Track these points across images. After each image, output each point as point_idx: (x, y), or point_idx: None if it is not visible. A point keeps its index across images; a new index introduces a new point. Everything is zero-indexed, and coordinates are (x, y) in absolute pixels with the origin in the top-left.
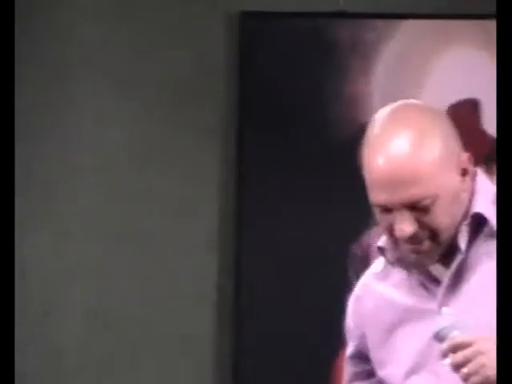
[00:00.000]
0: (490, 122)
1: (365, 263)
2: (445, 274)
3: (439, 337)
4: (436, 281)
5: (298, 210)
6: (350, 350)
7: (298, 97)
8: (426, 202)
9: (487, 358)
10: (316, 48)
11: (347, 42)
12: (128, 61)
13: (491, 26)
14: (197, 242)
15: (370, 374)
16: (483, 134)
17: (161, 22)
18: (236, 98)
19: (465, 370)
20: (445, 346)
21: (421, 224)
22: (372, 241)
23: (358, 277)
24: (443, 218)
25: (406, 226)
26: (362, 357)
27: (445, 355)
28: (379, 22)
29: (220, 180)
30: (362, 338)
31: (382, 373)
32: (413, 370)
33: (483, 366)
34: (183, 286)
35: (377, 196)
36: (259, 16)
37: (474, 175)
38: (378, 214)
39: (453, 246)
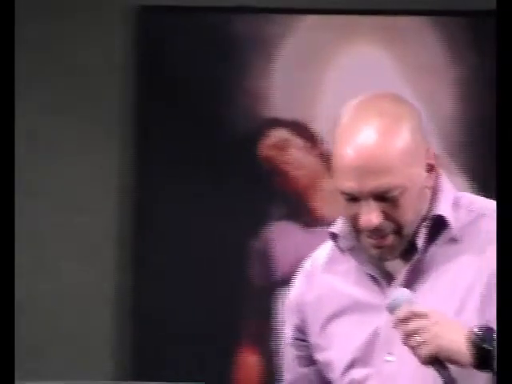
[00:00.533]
0: None
1: (265, 258)
2: (399, 271)
3: (392, 307)
4: (389, 276)
5: (198, 206)
6: (289, 332)
7: (199, 93)
8: (395, 193)
9: (440, 328)
10: (217, 43)
11: (248, 37)
12: (25, 57)
13: (390, 21)
14: (96, 238)
15: (313, 358)
16: None
17: (58, 17)
18: (135, 95)
19: (417, 338)
20: (398, 314)
21: (387, 216)
22: (271, 236)
23: (259, 272)
24: (409, 211)
25: (372, 216)
26: (303, 339)
27: (397, 324)
28: (280, 18)
29: (119, 178)
30: (304, 320)
31: (319, 357)
32: (353, 363)
33: (436, 335)
34: (83, 284)
35: (345, 183)
36: (159, 10)
37: (438, 174)
38: (343, 202)
39: (411, 244)
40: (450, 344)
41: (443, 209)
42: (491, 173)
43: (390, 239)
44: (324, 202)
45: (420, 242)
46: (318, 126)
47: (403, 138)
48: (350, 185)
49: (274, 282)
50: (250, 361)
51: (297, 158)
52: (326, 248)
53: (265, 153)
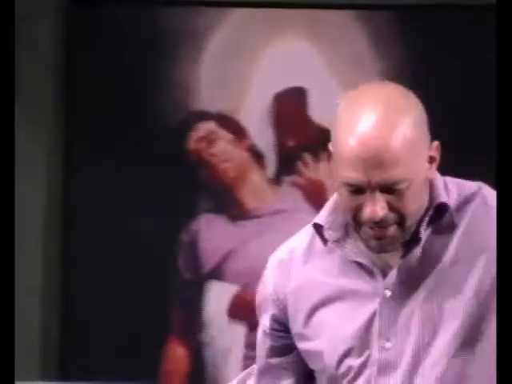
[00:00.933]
0: (315, 110)
1: (193, 251)
2: (394, 260)
3: None
4: (383, 264)
5: (126, 199)
6: (267, 322)
7: (129, 85)
8: (402, 186)
9: None
10: (146, 36)
11: (177, 30)
12: None
13: (315, 15)
14: (23, 231)
15: (289, 348)
16: (309, 121)
17: None
18: (65, 88)
19: None
20: None
21: (391, 208)
22: (199, 228)
23: (187, 265)
24: (413, 203)
25: (378, 207)
26: (281, 330)
27: None
28: (208, 11)
29: (48, 170)
30: (284, 309)
31: (306, 346)
32: (350, 351)
33: None
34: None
35: (351, 175)
36: (89, 2)
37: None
38: (344, 193)
39: (413, 234)
40: None
41: (443, 196)
42: None
43: (392, 230)
44: (251, 194)
45: (423, 234)
46: (246, 119)
47: (409, 130)
48: (357, 176)
49: (203, 275)
50: (178, 353)
51: (224, 150)
52: (303, 238)
53: (193, 145)
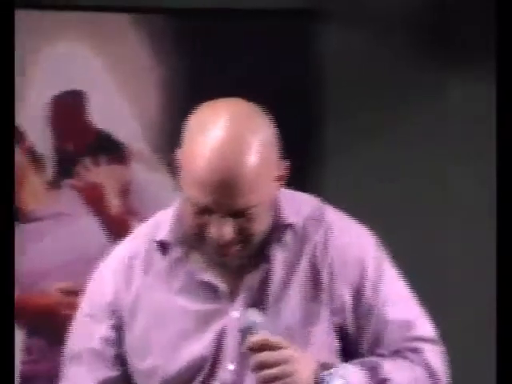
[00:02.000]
0: (94, 113)
1: None
2: (240, 279)
3: (245, 329)
4: (230, 284)
5: None
6: (102, 332)
7: None
8: (253, 211)
9: (297, 366)
10: None
11: None
12: None
13: (94, 17)
14: None
15: (121, 362)
16: (88, 124)
17: None
18: None
19: (268, 372)
20: (254, 339)
21: (238, 230)
22: None
23: None
24: (260, 225)
25: (226, 231)
26: (115, 342)
27: (250, 349)
28: None
29: None
30: (121, 321)
31: (137, 363)
32: (190, 371)
33: (291, 373)
34: None
35: (200, 197)
36: None
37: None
38: (189, 209)
39: (258, 253)
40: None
41: (289, 215)
42: None
43: (237, 248)
44: (30, 197)
45: (271, 253)
46: (24, 122)
47: (260, 153)
48: (205, 200)
49: None
50: None
51: None
52: (138, 248)
53: None
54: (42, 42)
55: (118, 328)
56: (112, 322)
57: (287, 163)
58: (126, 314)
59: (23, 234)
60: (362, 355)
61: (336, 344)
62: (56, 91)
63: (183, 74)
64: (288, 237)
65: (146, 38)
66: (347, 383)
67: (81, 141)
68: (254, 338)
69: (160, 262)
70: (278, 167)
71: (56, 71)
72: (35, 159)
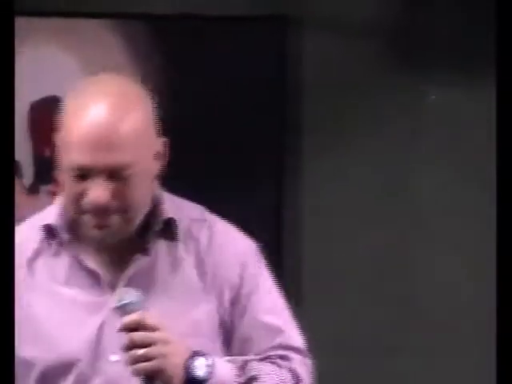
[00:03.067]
0: None
1: None
2: (124, 269)
3: (122, 309)
4: (112, 272)
5: None
6: None
7: None
8: (128, 172)
9: (167, 348)
10: None
11: None
12: None
13: (70, 24)
14: None
15: None
16: None
17: None
18: None
19: (139, 351)
20: (129, 318)
21: (115, 195)
22: None
23: None
24: (137, 195)
25: (101, 193)
26: None
27: (122, 330)
28: None
29: None
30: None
31: (22, 352)
32: (73, 365)
33: (161, 355)
34: None
35: (77, 158)
36: None
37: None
38: (68, 180)
39: (139, 246)
40: (173, 368)
41: (172, 211)
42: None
43: (114, 219)
44: None
45: (151, 246)
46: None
47: (136, 118)
48: (83, 159)
49: None
50: None
51: None
52: (28, 237)
53: None
54: (17, 48)
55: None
56: None
57: (165, 140)
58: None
59: None
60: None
61: (217, 337)
62: (34, 97)
63: (161, 75)
64: (171, 232)
65: (124, 43)
66: (213, 373)
67: None
68: (129, 318)
69: (47, 249)
70: (156, 142)
71: (34, 77)
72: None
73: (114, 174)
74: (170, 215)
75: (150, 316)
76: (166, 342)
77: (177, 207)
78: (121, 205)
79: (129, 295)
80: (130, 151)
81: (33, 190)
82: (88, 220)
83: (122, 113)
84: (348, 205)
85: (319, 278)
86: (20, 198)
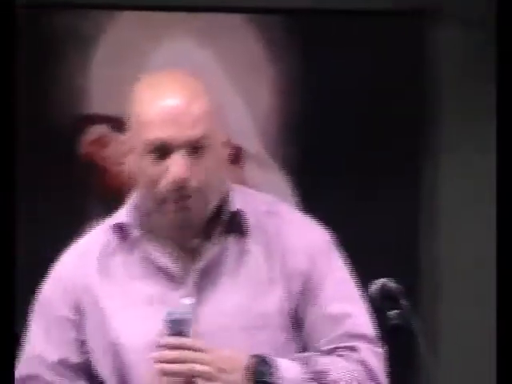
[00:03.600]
0: None
1: None
2: (193, 267)
3: (172, 324)
4: (183, 268)
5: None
6: (63, 308)
7: (17, 89)
8: (203, 147)
9: (215, 369)
10: (34, 39)
11: (65, 33)
12: None
13: (208, 18)
14: None
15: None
16: None
17: None
18: None
19: (173, 367)
20: (167, 340)
21: (193, 171)
22: None
23: None
24: (211, 173)
25: (181, 167)
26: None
27: (164, 346)
28: (97, 13)
29: None
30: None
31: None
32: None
33: (209, 378)
34: None
35: (157, 134)
36: None
37: (241, 169)
38: (146, 166)
39: (208, 239)
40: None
41: (240, 205)
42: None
43: (192, 201)
44: None
45: (218, 235)
46: None
47: (204, 100)
48: (164, 133)
49: None
50: None
51: (117, 153)
52: (100, 237)
53: (84, 149)
54: (153, 43)
55: (79, 313)
56: (72, 306)
57: (228, 137)
58: (85, 300)
59: None
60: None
61: (286, 328)
62: None
63: (297, 71)
64: (240, 224)
65: (262, 38)
66: (280, 377)
67: None
68: (169, 339)
69: (117, 249)
70: (222, 134)
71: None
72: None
73: (192, 150)
74: (238, 207)
75: (195, 341)
76: (207, 363)
77: (247, 199)
78: (198, 184)
79: (180, 309)
80: (206, 128)
81: None
82: (167, 206)
83: (194, 95)
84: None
85: (456, 277)
86: None
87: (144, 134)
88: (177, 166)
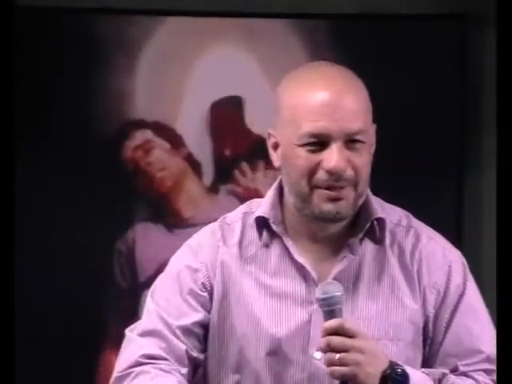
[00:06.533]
0: (251, 119)
1: (129, 260)
2: (331, 265)
3: (325, 302)
4: (319, 268)
5: (62, 208)
6: (192, 285)
7: (63, 94)
8: (360, 141)
9: (362, 356)
10: (80, 44)
11: (111, 38)
12: None
13: (250, 24)
14: None
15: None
16: (246, 130)
17: None
18: None
19: (336, 356)
20: (331, 323)
21: (349, 163)
22: (135, 237)
23: (123, 274)
24: (365, 168)
25: (338, 158)
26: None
27: (324, 332)
28: (142, 19)
29: None
30: (211, 284)
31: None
32: (275, 353)
33: (356, 362)
34: None
35: (315, 126)
36: (23, 11)
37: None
38: (301, 156)
39: (347, 244)
40: (365, 377)
41: (380, 212)
42: None
43: (346, 192)
44: (188, 203)
45: (358, 241)
46: (182, 128)
47: (362, 91)
48: (323, 125)
49: (139, 284)
50: (113, 362)
51: (161, 159)
52: (238, 227)
53: (129, 154)
54: (198, 49)
55: (208, 287)
56: (204, 280)
57: (376, 127)
58: (216, 288)
59: (181, 239)
60: (430, 365)
61: (418, 345)
62: (214, 97)
63: None
64: (378, 233)
65: (305, 43)
66: None
67: (238, 146)
68: (330, 323)
69: (257, 240)
70: (372, 126)
71: (214, 77)
72: (193, 165)
73: (349, 142)
74: (379, 215)
75: (351, 322)
76: (361, 351)
77: (382, 208)
78: (352, 176)
79: (332, 288)
80: (363, 121)
81: (212, 189)
82: (321, 194)
83: (352, 86)
84: None
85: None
86: (200, 198)
87: (302, 126)
88: (333, 157)
